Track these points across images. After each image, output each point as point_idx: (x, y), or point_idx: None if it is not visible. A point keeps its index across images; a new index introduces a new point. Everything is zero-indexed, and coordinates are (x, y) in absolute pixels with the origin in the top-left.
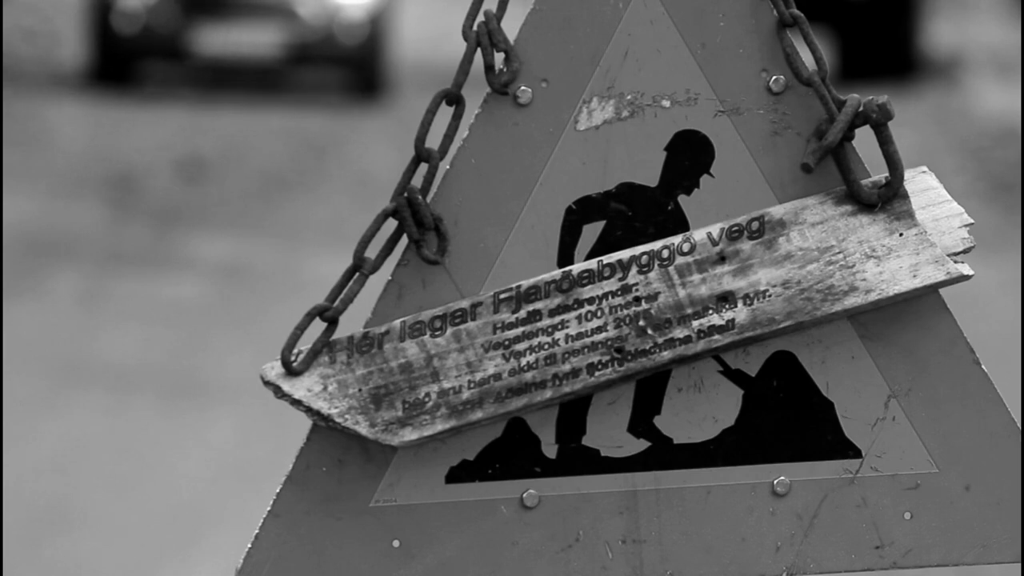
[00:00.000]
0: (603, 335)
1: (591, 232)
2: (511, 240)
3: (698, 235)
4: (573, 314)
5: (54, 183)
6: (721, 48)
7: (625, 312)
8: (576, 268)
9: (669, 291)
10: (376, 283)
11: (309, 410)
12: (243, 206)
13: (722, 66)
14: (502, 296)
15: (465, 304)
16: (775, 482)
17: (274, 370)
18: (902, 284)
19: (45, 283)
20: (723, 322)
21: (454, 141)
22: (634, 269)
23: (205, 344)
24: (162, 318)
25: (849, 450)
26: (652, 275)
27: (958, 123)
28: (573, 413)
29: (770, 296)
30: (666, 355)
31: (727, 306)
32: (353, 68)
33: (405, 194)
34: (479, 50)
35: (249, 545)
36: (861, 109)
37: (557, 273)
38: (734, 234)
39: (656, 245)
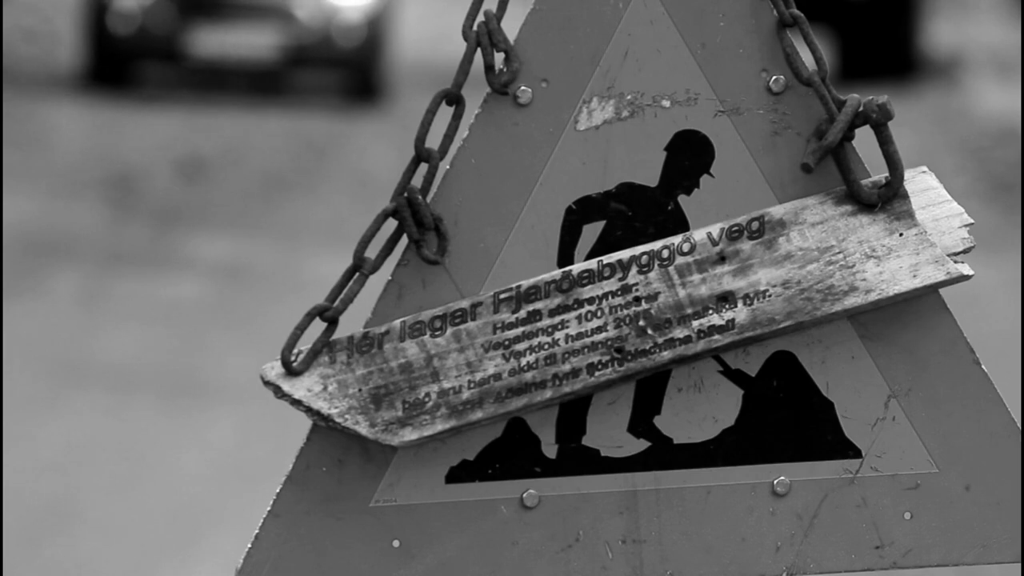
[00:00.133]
0: (603, 335)
1: (591, 232)
2: (511, 240)
3: (698, 235)
4: (573, 314)
5: (54, 183)
6: (721, 48)
7: (625, 312)
8: (576, 268)
9: (669, 291)
10: (376, 283)
11: (309, 410)
12: (243, 206)
13: (722, 66)
14: (502, 296)
15: (465, 304)
16: (775, 482)
17: (274, 370)
18: (902, 284)
19: (45, 283)
20: (723, 322)
21: (454, 141)
22: (634, 269)
23: (205, 344)
24: (162, 318)
25: (849, 450)
26: (652, 275)
27: (958, 123)
28: (573, 413)
29: (770, 296)
30: (666, 355)
31: (727, 306)
32: (350, 71)
33: (405, 194)
34: (479, 50)
35: (249, 545)
36: (861, 109)
37: (557, 273)
38: (734, 234)
39: (656, 245)
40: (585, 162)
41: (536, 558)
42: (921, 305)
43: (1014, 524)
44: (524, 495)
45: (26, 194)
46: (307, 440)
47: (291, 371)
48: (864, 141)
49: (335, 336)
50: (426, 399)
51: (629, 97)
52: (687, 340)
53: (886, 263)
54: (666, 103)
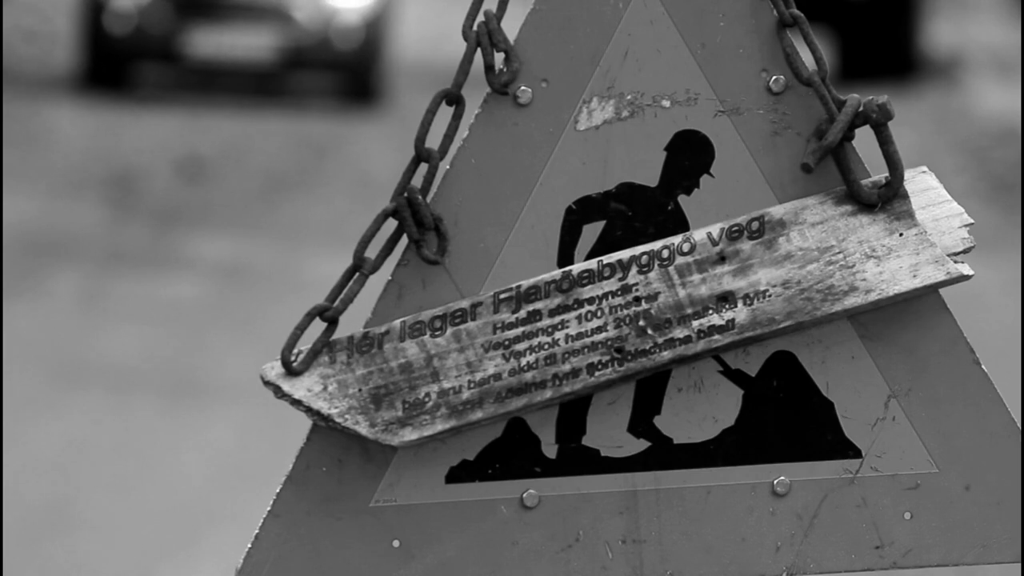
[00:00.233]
0: (603, 335)
1: (591, 232)
2: (511, 240)
3: (698, 235)
4: (573, 314)
5: (54, 183)
6: (721, 48)
7: (625, 312)
8: (576, 268)
9: (669, 291)
10: (376, 283)
11: (309, 410)
12: (243, 206)
13: (722, 66)
14: (502, 296)
15: (465, 304)
16: (775, 482)
17: (274, 370)
18: (902, 284)
19: (45, 283)
20: (723, 322)
21: (454, 141)
22: (634, 269)
23: (205, 344)
24: (162, 318)
25: (849, 450)
26: (652, 275)
27: (958, 123)
28: (573, 413)
29: (770, 296)
30: (666, 355)
31: (727, 306)
32: (348, 73)
33: (405, 194)
34: (479, 50)
35: (249, 545)
36: (861, 109)
37: (557, 273)
38: (734, 234)
39: (656, 245)
40: (585, 162)
41: (536, 558)
42: (921, 305)
43: (1014, 524)
44: (524, 495)
45: (26, 194)
46: (307, 440)
47: (291, 371)
48: (864, 141)
49: (335, 336)
50: (426, 399)
51: (629, 97)
52: (687, 340)
53: (886, 263)
54: (666, 103)
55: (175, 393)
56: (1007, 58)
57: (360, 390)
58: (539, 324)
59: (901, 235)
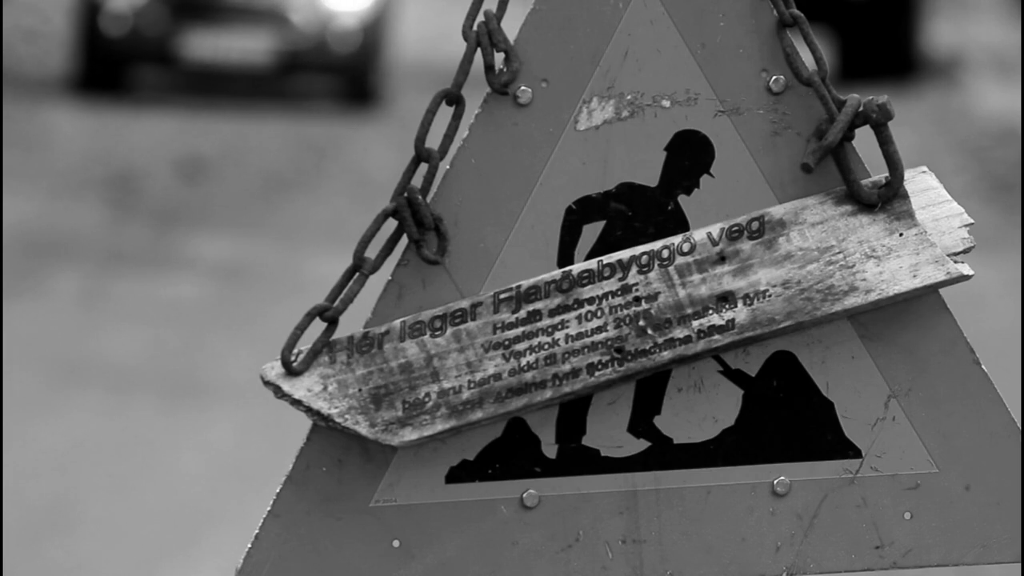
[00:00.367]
0: (603, 335)
1: (591, 232)
2: (511, 240)
3: (698, 235)
4: (573, 314)
5: (54, 183)
6: (721, 48)
7: (625, 312)
8: (576, 268)
9: (669, 291)
10: (376, 283)
11: (309, 410)
12: (243, 206)
13: (722, 66)
14: (502, 296)
15: (465, 304)
16: (775, 482)
17: (274, 370)
18: (902, 284)
19: (45, 283)
20: (723, 322)
21: (454, 141)
22: (634, 269)
23: (205, 344)
24: (162, 318)
25: (849, 450)
26: (652, 275)
27: (958, 123)
28: (573, 413)
29: (770, 296)
30: (666, 355)
31: (727, 306)
32: (346, 77)
33: (405, 194)
34: (479, 50)
35: (249, 545)
36: (861, 109)
37: (557, 273)
38: (734, 234)
39: (656, 245)
40: (585, 162)
41: (536, 558)
42: (921, 305)
43: (1014, 524)
44: (524, 495)
45: (26, 194)
46: (307, 440)
47: (291, 371)
48: (864, 141)
49: (335, 336)
50: (426, 399)
51: (629, 97)
52: (687, 340)
53: (886, 263)
54: (666, 103)
55: (175, 393)
56: (1007, 58)
57: (360, 390)
58: (539, 324)
59: (901, 235)
